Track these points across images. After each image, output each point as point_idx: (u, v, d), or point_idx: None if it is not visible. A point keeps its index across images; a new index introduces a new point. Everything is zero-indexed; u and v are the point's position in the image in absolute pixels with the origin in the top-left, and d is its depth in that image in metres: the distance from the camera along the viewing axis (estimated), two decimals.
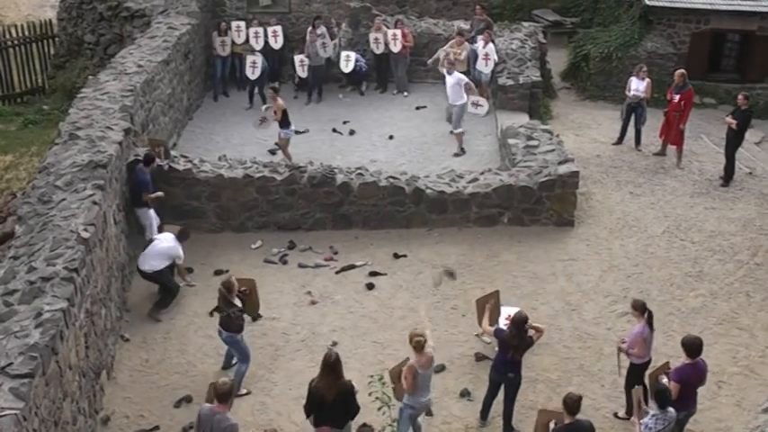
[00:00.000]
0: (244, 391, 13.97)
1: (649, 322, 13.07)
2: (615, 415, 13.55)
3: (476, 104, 22.55)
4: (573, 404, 11.28)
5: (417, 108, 24.93)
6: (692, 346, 12.15)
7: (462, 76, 22.29)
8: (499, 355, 13.11)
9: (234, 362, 14.39)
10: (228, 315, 13.75)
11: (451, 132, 22.44)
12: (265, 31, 25.87)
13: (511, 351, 12.79)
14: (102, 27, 27.25)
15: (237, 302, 13.91)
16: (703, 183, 20.97)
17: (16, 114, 27.42)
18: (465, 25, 26.42)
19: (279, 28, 25.96)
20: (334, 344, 14.65)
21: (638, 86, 22.26)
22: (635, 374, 13.18)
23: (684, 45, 26.73)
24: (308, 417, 12.02)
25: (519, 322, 12.77)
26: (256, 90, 25.25)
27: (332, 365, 11.63)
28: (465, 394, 13.89)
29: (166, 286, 16.08)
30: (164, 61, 21.26)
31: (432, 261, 17.45)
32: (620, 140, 22.99)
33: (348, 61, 25.64)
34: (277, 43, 25.98)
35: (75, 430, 11.85)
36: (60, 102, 26.64)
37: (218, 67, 25.90)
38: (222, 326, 13.89)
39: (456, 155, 21.84)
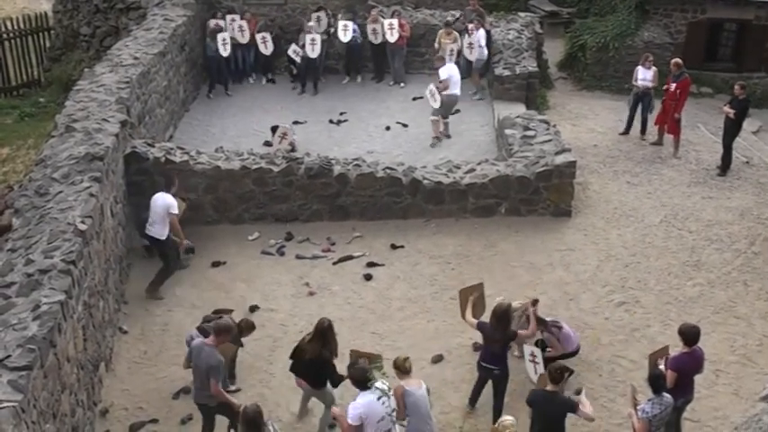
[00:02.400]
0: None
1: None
2: None
3: (432, 94, 22.00)
4: (556, 374, 11.46)
5: (414, 99, 24.89)
6: (690, 335, 12.15)
7: (448, 69, 22.14)
8: (483, 348, 13.14)
9: None
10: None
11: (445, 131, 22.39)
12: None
13: (491, 344, 12.81)
14: (98, 19, 27.27)
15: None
16: (700, 172, 20.98)
17: (12, 107, 27.40)
18: (454, 14, 26.40)
19: (267, 35, 25.79)
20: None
21: (644, 75, 22.26)
22: None
23: (681, 34, 26.78)
24: (290, 358, 12.76)
25: (500, 314, 12.68)
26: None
27: (322, 331, 12.26)
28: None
29: (166, 260, 16.12)
30: (160, 53, 21.23)
31: (429, 252, 17.45)
32: (626, 131, 22.99)
33: (346, 30, 25.61)
34: (267, 49, 25.89)
35: (74, 422, 11.85)
36: (56, 94, 26.62)
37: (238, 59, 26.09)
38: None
39: (432, 144, 21.85)
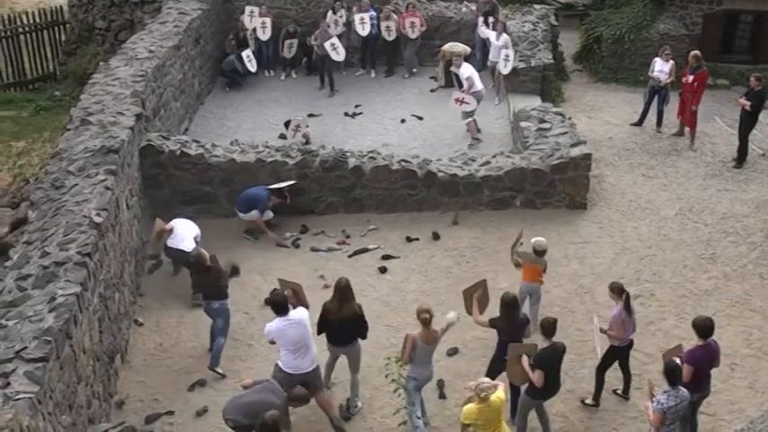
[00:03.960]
0: (220, 371, 14.09)
1: (627, 305, 13.04)
2: (582, 402, 13.44)
3: (461, 101, 21.64)
4: (549, 327, 12.00)
5: (432, 91, 24.88)
6: (704, 328, 12.10)
7: (468, 67, 21.92)
8: (500, 345, 13.03)
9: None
10: (215, 283, 14.08)
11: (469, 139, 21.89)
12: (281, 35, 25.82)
13: (507, 336, 12.83)
14: (113, 13, 27.34)
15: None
16: (716, 164, 20.89)
17: (28, 101, 27.51)
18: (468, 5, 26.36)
19: (295, 41, 25.79)
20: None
21: (662, 68, 22.16)
22: (612, 357, 13.36)
23: (697, 26, 26.55)
24: (318, 334, 13.00)
25: (508, 302, 12.84)
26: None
27: (342, 290, 12.81)
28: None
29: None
30: (175, 46, 21.26)
31: (444, 245, 17.45)
32: (640, 122, 22.92)
33: (363, 24, 25.57)
34: (290, 53, 25.87)
35: (90, 414, 11.91)
36: (72, 88, 26.71)
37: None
38: (208, 297, 14.15)
39: (470, 145, 21.49)
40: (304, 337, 12.47)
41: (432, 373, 12.78)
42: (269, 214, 17.77)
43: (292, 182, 17.95)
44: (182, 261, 16.12)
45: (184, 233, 16.05)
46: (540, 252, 14.79)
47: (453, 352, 14.42)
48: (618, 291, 13.17)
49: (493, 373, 13.00)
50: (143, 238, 16.69)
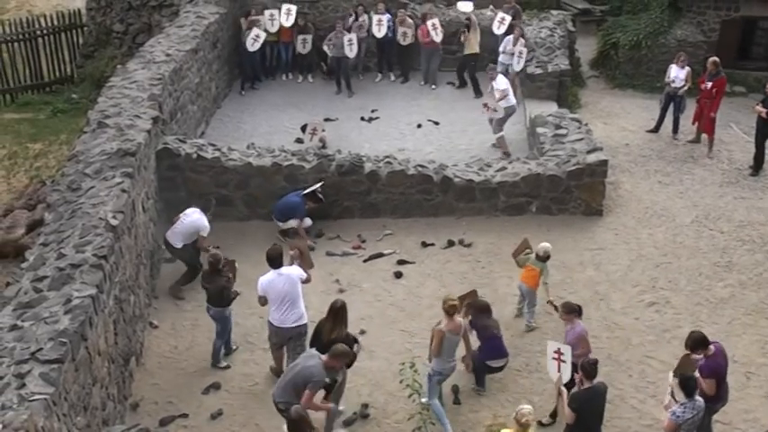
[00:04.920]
0: (225, 364, 14.36)
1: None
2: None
3: (489, 108, 21.46)
4: (590, 368, 11.53)
5: (457, 87, 24.99)
6: (700, 340, 11.83)
7: (501, 81, 21.54)
8: (486, 345, 13.60)
9: (234, 347, 14.69)
10: (218, 290, 14.09)
11: (493, 146, 21.69)
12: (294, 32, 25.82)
13: (490, 332, 13.53)
14: (131, 16, 27.44)
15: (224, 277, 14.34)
16: (732, 172, 20.81)
17: (45, 103, 27.60)
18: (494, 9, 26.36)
19: (309, 37, 25.79)
20: (362, 332, 14.65)
21: (678, 74, 22.12)
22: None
23: (714, 33, 26.49)
24: (310, 347, 12.94)
25: (481, 306, 13.73)
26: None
27: (335, 311, 12.92)
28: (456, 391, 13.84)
29: (189, 263, 16.36)
30: (192, 50, 21.31)
31: (459, 251, 17.43)
32: (656, 129, 22.86)
33: (380, 26, 25.59)
34: (305, 49, 25.95)
35: (105, 415, 11.94)
36: (89, 91, 26.79)
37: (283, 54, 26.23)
38: (210, 302, 14.21)
39: (501, 159, 21.17)
40: (291, 293, 13.38)
41: (455, 365, 13.03)
42: (307, 221, 17.88)
43: (320, 182, 18.03)
44: (174, 254, 16.50)
45: (182, 227, 16.16)
46: (542, 257, 15.02)
47: (455, 390, 14.18)
48: (573, 312, 13.02)
49: (480, 376, 13.69)
50: (158, 241, 16.73)
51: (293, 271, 13.67)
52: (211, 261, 14.28)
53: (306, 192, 17.76)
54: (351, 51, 25.02)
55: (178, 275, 16.42)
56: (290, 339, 13.55)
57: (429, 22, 25.27)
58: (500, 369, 13.74)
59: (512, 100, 21.28)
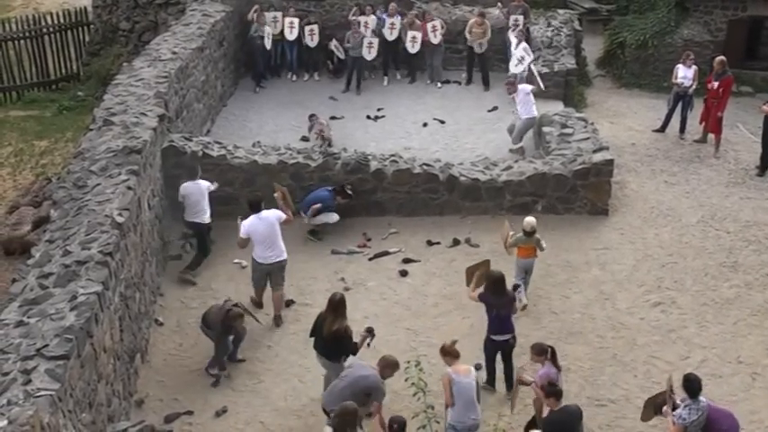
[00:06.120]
0: (240, 356, 14.47)
1: (553, 361, 12.37)
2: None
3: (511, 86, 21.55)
4: (552, 390, 11.34)
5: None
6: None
7: (526, 86, 21.26)
8: (491, 320, 13.50)
9: (239, 357, 14.51)
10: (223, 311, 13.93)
11: (510, 150, 21.24)
12: (301, 24, 25.76)
13: (494, 310, 13.36)
14: (137, 14, 27.48)
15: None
16: (739, 172, 20.78)
17: (51, 101, 27.65)
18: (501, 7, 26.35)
19: (315, 27, 25.84)
20: (369, 331, 14.61)
21: (685, 74, 22.09)
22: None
23: (721, 32, 26.46)
24: (310, 336, 13.37)
25: (495, 280, 13.43)
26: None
27: (335, 305, 12.98)
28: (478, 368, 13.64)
29: (202, 243, 16.63)
30: (198, 48, 21.32)
31: (464, 249, 17.42)
32: (662, 128, 22.83)
33: (393, 29, 25.62)
34: (313, 42, 25.93)
35: (110, 412, 11.94)
36: (95, 88, 26.81)
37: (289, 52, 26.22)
38: (205, 322, 14.15)
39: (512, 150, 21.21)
40: (271, 234, 15.06)
41: (478, 418, 12.11)
42: (334, 216, 17.83)
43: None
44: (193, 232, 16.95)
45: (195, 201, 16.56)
46: (528, 232, 15.27)
47: (478, 367, 14.15)
48: (541, 352, 12.43)
49: (489, 355, 13.54)
50: (164, 238, 16.74)
51: (271, 214, 15.19)
52: (230, 315, 13.92)
53: (335, 187, 17.88)
54: (369, 54, 25.04)
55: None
56: (270, 273, 15.24)
57: (429, 24, 25.29)
58: (506, 345, 13.52)
59: (533, 112, 21.05)
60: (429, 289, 16.30)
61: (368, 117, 23.60)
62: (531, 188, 18.33)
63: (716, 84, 21.35)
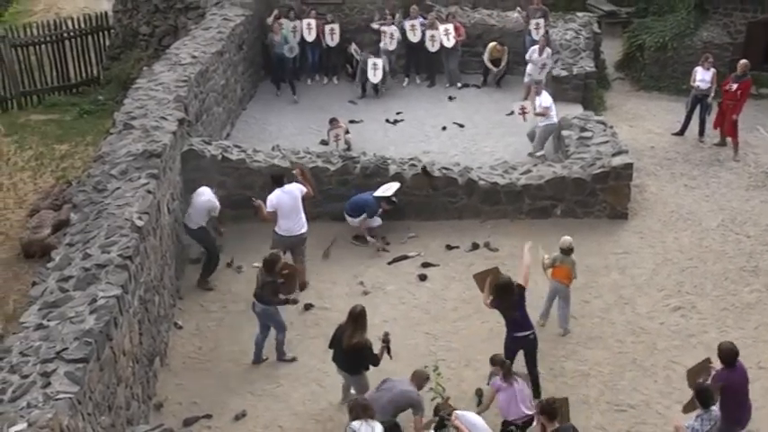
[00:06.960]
0: (290, 356, 14.50)
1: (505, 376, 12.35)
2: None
3: (522, 111, 21.58)
4: (548, 409, 11.18)
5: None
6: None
7: (546, 98, 21.11)
8: (508, 324, 13.42)
9: (265, 357, 14.56)
10: (265, 286, 14.05)
11: (530, 154, 21.19)
12: (318, 24, 25.76)
13: (512, 312, 13.26)
14: (157, 19, 27.53)
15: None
16: (759, 175, 20.67)
17: (72, 104, 27.72)
18: (520, 11, 26.32)
19: (336, 26, 25.86)
20: (387, 335, 14.60)
21: (703, 76, 22.01)
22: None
23: (741, 34, 26.33)
24: (329, 348, 13.24)
25: (499, 286, 13.33)
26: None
27: (354, 317, 12.75)
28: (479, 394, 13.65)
29: (208, 249, 16.53)
30: (218, 52, 21.38)
31: (483, 253, 17.39)
32: (681, 131, 22.74)
33: (414, 30, 25.60)
34: (333, 41, 25.95)
35: (129, 415, 11.97)
36: (115, 92, 26.88)
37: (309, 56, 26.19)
38: (257, 298, 14.18)
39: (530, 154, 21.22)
40: (296, 206, 15.87)
41: None
42: (377, 221, 17.85)
43: (396, 185, 18.00)
44: (191, 235, 16.67)
45: (194, 208, 16.38)
46: (566, 250, 14.97)
47: (479, 393, 14.02)
48: (497, 363, 12.59)
49: (509, 354, 13.22)
50: (183, 242, 16.79)
51: (294, 187, 16.03)
52: (267, 260, 14.19)
53: (377, 195, 17.73)
54: (374, 77, 25.03)
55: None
56: (292, 247, 15.96)
57: (442, 27, 25.27)
58: (527, 342, 13.40)
59: (553, 118, 20.99)
60: (448, 293, 16.29)
61: (387, 121, 23.60)
62: (550, 192, 18.28)
63: (734, 86, 21.24)
